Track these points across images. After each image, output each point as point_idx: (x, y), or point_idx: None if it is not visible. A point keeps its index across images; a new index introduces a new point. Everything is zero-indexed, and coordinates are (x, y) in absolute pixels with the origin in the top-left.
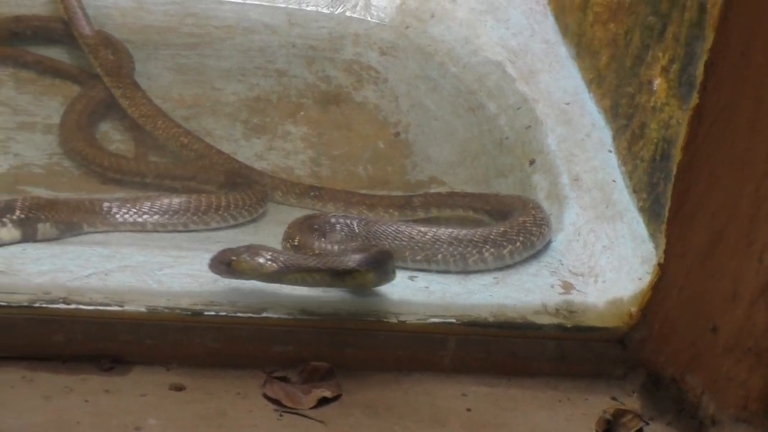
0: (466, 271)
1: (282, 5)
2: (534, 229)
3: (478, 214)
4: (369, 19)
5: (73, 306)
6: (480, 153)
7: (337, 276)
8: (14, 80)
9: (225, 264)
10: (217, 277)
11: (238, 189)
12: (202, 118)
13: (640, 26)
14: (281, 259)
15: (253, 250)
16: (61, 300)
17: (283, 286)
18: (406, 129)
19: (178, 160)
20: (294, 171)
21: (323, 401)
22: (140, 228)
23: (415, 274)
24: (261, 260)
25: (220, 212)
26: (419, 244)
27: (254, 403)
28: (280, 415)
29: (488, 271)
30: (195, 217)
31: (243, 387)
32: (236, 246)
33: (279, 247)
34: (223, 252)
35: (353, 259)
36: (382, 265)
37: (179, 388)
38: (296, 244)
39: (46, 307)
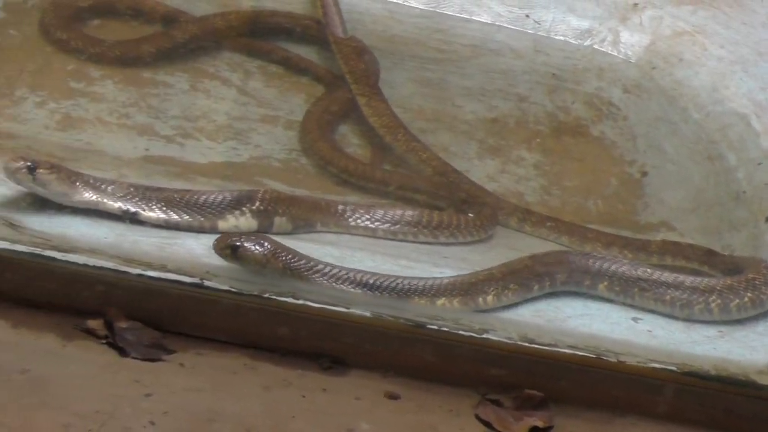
0: (690, 319)
1: (530, 31)
2: (764, 287)
3: (712, 270)
4: (616, 54)
5: (301, 301)
6: (714, 203)
7: None
8: (262, 73)
9: (230, 248)
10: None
11: (471, 209)
12: (439, 133)
13: None
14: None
15: (260, 240)
16: (289, 294)
17: None
18: (641, 169)
19: (412, 172)
20: (524, 197)
21: (534, 430)
22: (371, 234)
23: (639, 316)
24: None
25: (450, 229)
26: (647, 284)
27: (466, 422)
28: None
29: (714, 323)
30: (426, 230)
31: (456, 405)
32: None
33: None
34: (229, 236)
35: None
36: None
37: (394, 397)
38: None
39: (275, 299)
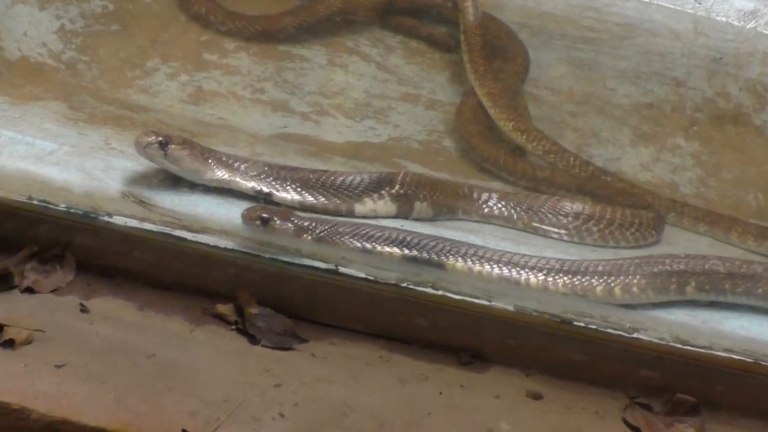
0: None
1: (690, 11)
2: None
3: None
4: None
5: (440, 292)
6: None
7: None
8: (404, 49)
9: (261, 221)
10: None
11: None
12: (590, 117)
13: None
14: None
15: (290, 215)
16: (429, 284)
17: None
18: None
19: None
20: (679, 188)
21: None
22: (511, 225)
23: None
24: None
25: (601, 228)
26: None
27: (612, 426)
28: None
29: None
30: (575, 231)
31: (602, 407)
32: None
33: None
34: (261, 209)
35: None
36: None
37: (536, 397)
38: None
39: (413, 288)
